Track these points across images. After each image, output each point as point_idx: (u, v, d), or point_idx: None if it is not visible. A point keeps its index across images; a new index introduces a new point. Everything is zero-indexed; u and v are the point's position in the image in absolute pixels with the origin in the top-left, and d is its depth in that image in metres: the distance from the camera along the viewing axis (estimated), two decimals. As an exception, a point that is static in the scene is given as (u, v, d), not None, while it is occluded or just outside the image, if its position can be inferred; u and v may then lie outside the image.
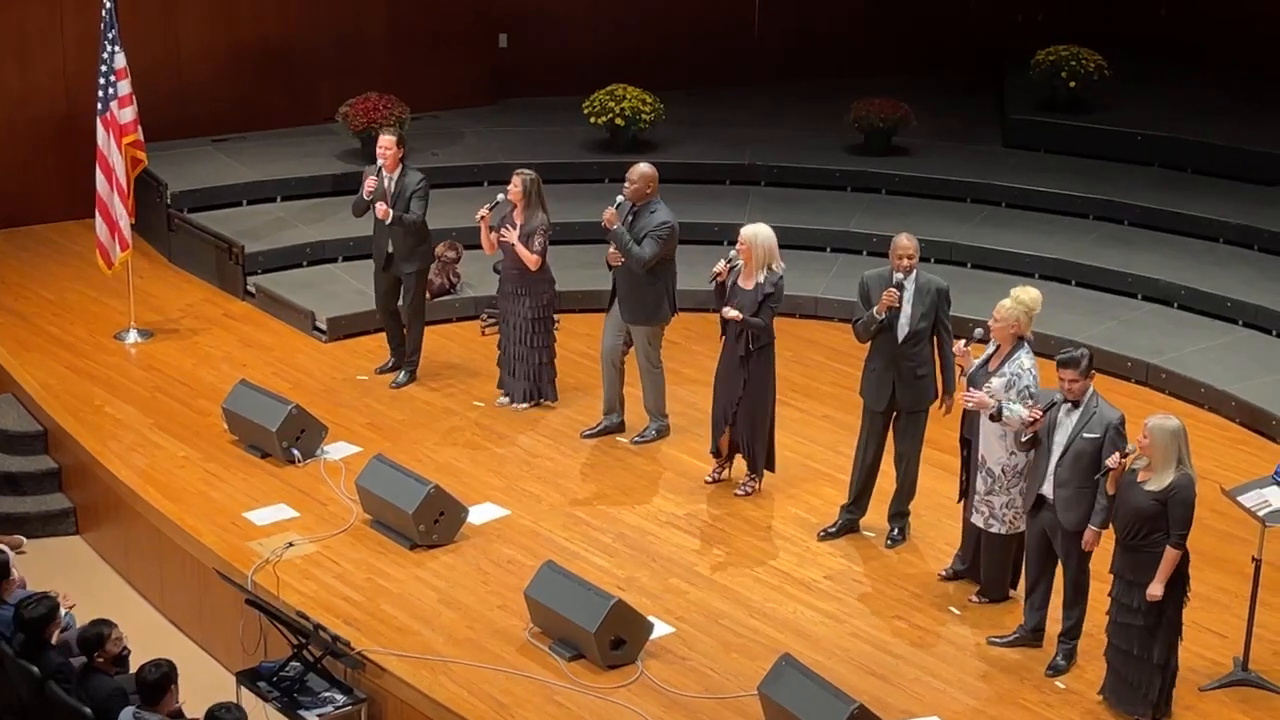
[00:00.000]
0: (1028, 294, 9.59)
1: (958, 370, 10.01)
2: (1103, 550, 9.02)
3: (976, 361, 9.73)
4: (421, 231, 12.33)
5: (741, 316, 10.63)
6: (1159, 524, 8.57)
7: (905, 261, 10.19)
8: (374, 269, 12.55)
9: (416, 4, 16.98)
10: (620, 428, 11.93)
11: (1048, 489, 9.14)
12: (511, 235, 11.74)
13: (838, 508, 10.74)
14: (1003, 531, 9.72)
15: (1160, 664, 8.75)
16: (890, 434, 10.53)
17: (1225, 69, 18.12)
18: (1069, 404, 9.04)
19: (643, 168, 11.49)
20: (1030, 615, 9.51)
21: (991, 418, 9.37)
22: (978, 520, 9.79)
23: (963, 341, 9.88)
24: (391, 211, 12.11)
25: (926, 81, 17.93)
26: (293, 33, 16.44)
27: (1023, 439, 9.21)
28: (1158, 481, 8.56)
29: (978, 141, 16.68)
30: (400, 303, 12.51)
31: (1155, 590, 8.59)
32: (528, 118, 17.16)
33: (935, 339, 10.29)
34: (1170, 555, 8.57)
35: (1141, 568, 8.64)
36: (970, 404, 9.55)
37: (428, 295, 12.83)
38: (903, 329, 10.23)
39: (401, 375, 12.63)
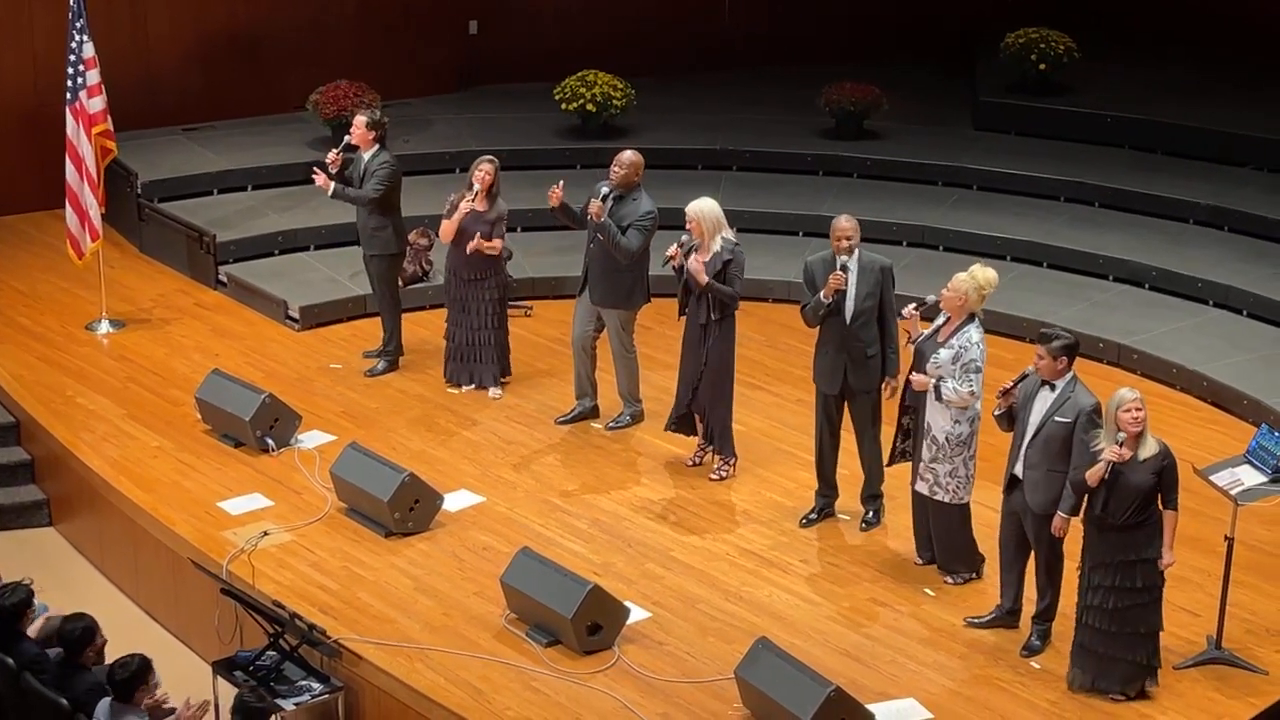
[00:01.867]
0: (984, 273, 9.63)
1: (904, 337, 10.04)
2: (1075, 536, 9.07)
3: (925, 332, 9.77)
4: (382, 214, 12.30)
5: (706, 281, 10.56)
6: (1152, 496, 8.63)
7: (844, 243, 10.21)
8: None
9: (387, -9, 16.96)
10: (594, 413, 11.93)
11: (1019, 469, 9.18)
12: (463, 220, 11.72)
13: (812, 491, 10.75)
14: (947, 500, 9.76)
15: (1155, 632, 8.86)
16: (849, 418, 10.55)
17: (1194, 51, 18.17)
18: (1046, 386, 9.06)
19: (630, 154, 11.47)
20: (1006, 596, 9.54)
21: (996, 417, 9.40)
22: (922, 488, 9.85)
23: (912, 305, 9.90)
24: (332, 185, 12.17)
25: (897, 65, 17.94)
26: (262, 20, 16.38)
27: (996, 413, 9.25)
28: (1147, 451, 8.60)
29: (949, 124, 16.71)
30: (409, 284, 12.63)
31: (1170, 558, 8.66)
32: (498, 104, 17.14)
33: (881, 320, 10.29)
34: (1171, 517, 8.63)
35: (1142, 543, 8.66)
36: (915, 384, 9.64)
37: (400, 283, 12.83)
38: (849, 310, 10.25)
39: (380, 364, 12.63)
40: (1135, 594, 8.75)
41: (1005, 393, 9.16)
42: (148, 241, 14.87)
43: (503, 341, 12.18)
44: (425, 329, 13.27)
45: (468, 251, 11.78)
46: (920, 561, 10.17)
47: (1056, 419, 8.98)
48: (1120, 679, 8.88)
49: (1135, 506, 8.62)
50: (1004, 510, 9.41)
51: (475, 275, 11.93)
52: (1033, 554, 9.29)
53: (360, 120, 12.31)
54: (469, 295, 12.01)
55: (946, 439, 9.65)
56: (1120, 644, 8.81)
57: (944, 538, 9.97)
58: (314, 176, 12.30)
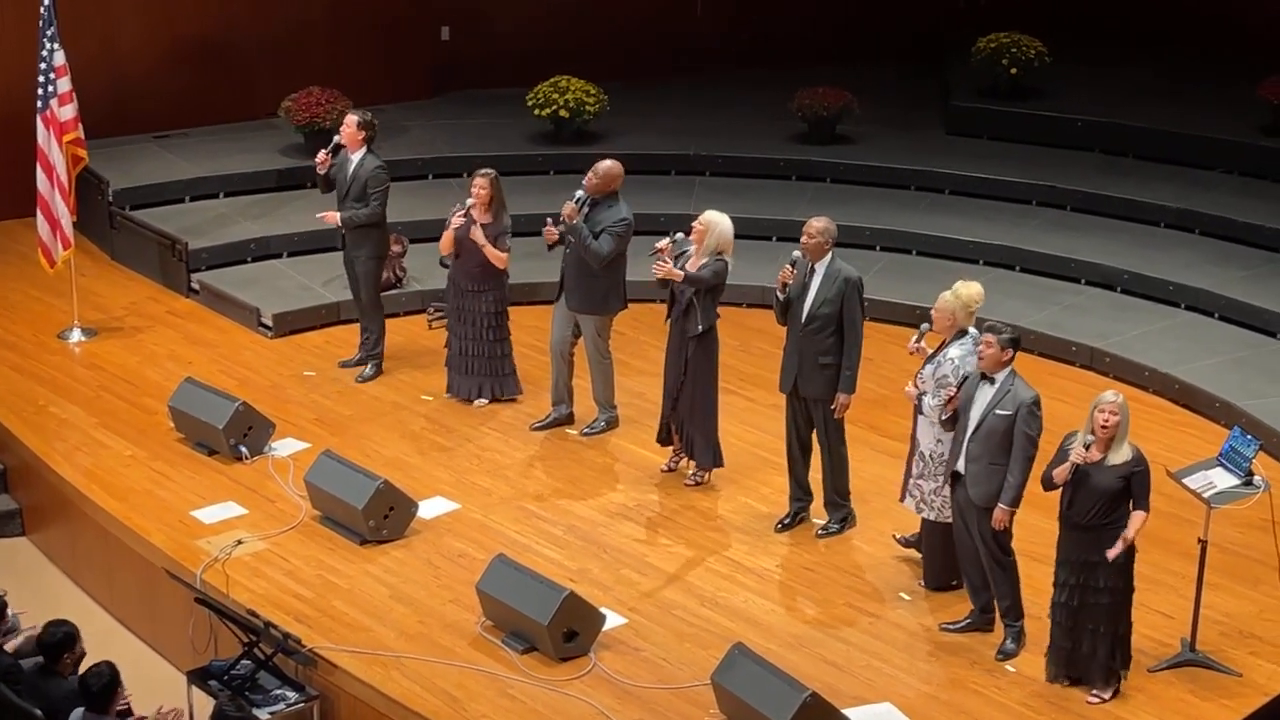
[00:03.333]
0: (968, 289, 9.63)
1: (913, 336, 10.02)
2: (1035, 531, 9.09)
3: (930, 351, 9.80)
4: (373, 217, 12.32)
5: (681, 275, 10.56)
6: (1120, 499, 8.67)
7: (804, 239, 10.23)
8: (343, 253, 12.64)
9: (358, -3, 16.95)
10: (569, 419, 11.93)
11: (961, 464, 9.23)
12: (479, 235, 11.68)
13: (787, 496, 10.76)
14: (932, 518, 9.78)
15: (1124, 634, 8.89)
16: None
17: (1163, 55, 18.27)
18: (986, 381, 9.11)
19: (607, 164, 11.45)
20: (974, 597, 9.57)
21: (916, 409, 9.48)
22: (909, 504, 9.89)
23: (914, 338, 9.91)
24: (339, 215, 12.25)
25: (869, 70, 17.97)
26: (233, 27, 16.34)
27: (942, 417, 9.29)
28: (1119, 456, 8.63)
29: (921, 129, 16.75)
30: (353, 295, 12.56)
31: (1119, 548, 8.65)
32: (471, 110, 17.13)
33: (840, 331, 10.25)
34: (1139, 516, 8.65)
35: (1107, 545, 8.69)
36: (907, 395, 9.71)
37: (376, 288, 12.85)
38: (805, 311, 10.25)
39: (368, 369, 12.63)
40: (1097, 593, 8.80)
41: (950, 399, 9.20)
42: (120, 249, 14.82)
43: (496, 355, 12.09)
44: (399, 335, 13.25)
45: (480, 244, 11.71)
46: (901, 539, 10.25)
47: (997, 412, 9.04)
48: (1090, 676, 8.93)
49: (1100, 508, 8.67)
50: (952, 510, 9.47)
51: (474, 287, 11.90)
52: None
53: (352, 120, 12.32)
54: (465, 306, 11.97)
55: (931, 455, 9.67)
56: (1086, 640, 8.86)
57: (928, 554, 9.99)
58: (322, 218, 12.36)
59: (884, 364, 10.72)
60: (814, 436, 10.53)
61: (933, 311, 9.71)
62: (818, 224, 10.24)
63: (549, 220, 11.60)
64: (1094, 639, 8.86)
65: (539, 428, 11.87)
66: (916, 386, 9.65)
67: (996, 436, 9.05)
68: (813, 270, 10.24)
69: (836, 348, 10.24)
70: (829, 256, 10.24)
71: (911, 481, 9.83)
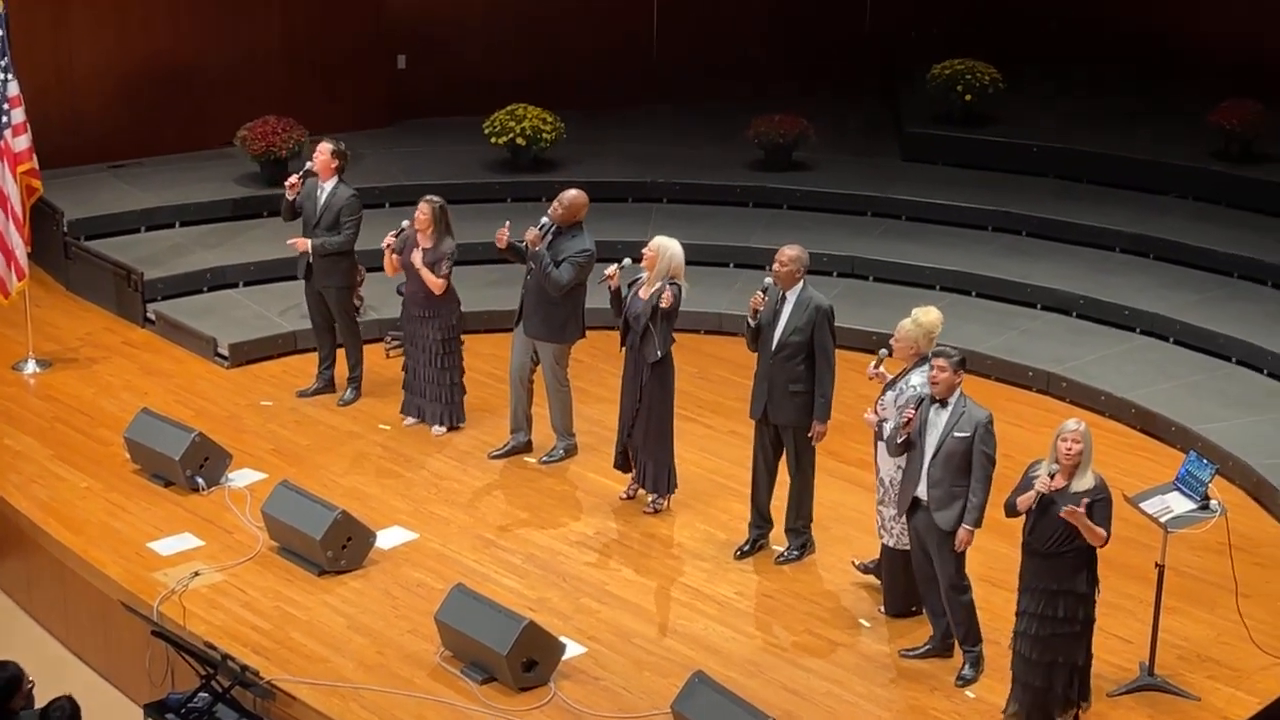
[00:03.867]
0: (928, 315, 9.66)
1: (871, 361, 10.02)
2: (995, 557, 9.11)
3: (890, 377, 9.81)
4: (345, 245, 12.33)
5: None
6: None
7: (775, 267, 10.26)
8: (302, 282, 12.58)
9: (313, 26, 16.89)
10: (527, 447, 11.91)
11: (922, 490, 9.25)
12: (418, 259, 11.72)
13: (746, 524, 10.76)
14: (892, 544, 9.79)
15: (1082, 665, 8.88)
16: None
17: (1117, 81, 18.42)
18: (938, 404, 9.14)
19: (573, 194, 11.47)
20: (934, 623, 9.58)
21: (877, 435, 9.49)
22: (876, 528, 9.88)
23: (873, 363, 9.92)
24: (310, 242, 12.22)
25: (825, 97, 18.05)
26: (189, 57, 16.29)
27: (897, 441, 9.31)
28: (1082, 484, 8.64)
29: (876, 155, 16.83)
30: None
31: (1068, 514, 8.55)
32: (427, 138, 17.12)
33: (812, 359, 10.27)
34: (1099, 534, 8.60)
35: (1066, 574, 8.69)
36: (867, 422, 9.71)
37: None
38: (775, 339, 10.27)
39: (349, 393, 12.65)
40: (1057, 623, 8.77)
41: (907, 421, 9.22)
42: (75, 280, 14.74)
43: (449, 382, 12.08)
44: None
45: (400, 265, 11.82)
46: (860, 565, 10.26)
47: (955, 434, 9.08)
48: (1048, 709, 8.90)
49: (1060, 536, 8.66)
50: (910, 536, 9.48)
51: (422, 313, 11.90)
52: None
53: (326, 148, 12.30)
54: (416, 332, 11.98)
55: (891, 482, 9.67)
56: (1042, 673, 8.83)
57: (888, 580, 9.99)
58: (292, 244, 12.33)
59: (842, 390, 10.70)
60: (781, 463, 10.55)
61: (893, 341, 9.72)
62: (789, 252, 10.25)
63: (506, 223, 11.55)
64: (1051, 671, 8.84)
65: (497, 456, 11.84)
66: (876, 413, 9.67)
67: (956, 459, 9.09)
68: (784, 298, 10.25)
69: (807, 375, 10.26)
70: (800, 284, 10.25)
71: (876, 507, 9.84)
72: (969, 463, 9.06)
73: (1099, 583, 8.84)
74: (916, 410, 9.23)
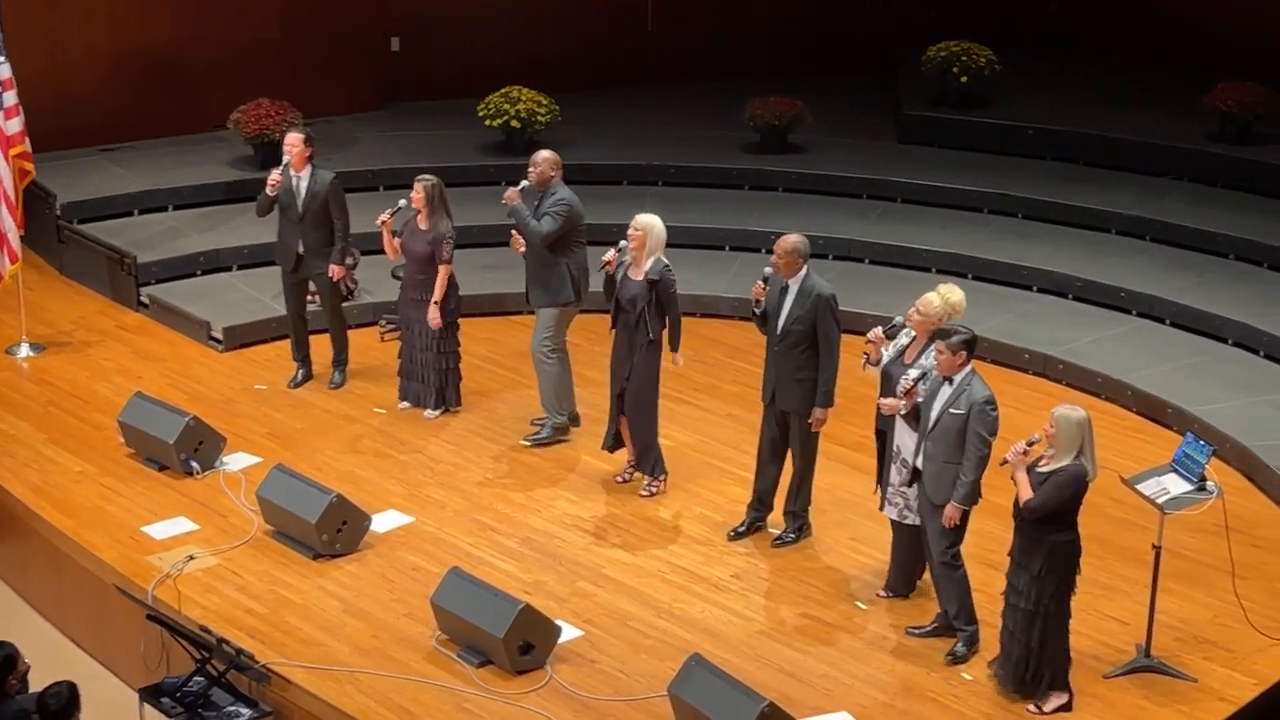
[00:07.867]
0: (955, 294, 9.61)
1: (863, 358, 9.99)
2: (990, 538, 9.11)
3: (890, 354, 9.76)
4: (330, 231, 12.27)
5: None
6: (1052, 513, 8.65)
7: (773, 259, 10.24)
8: (281, 273, 12.46)
9: (307, 9, 16.84)
10: (567, 427, 11.86)
11: (920, 462, 9.25)
12: (383, 217, 11.73)
13: (743, 506, 10.75)
14: (917, 523, 9.74)
15: (1036, 648, 8.83)
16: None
17: (1113, 63, 18.39)
18: (946, 380, 9.13)
19: (545, 153, 11.58)
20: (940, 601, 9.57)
21: (903, 417, 9.43)
22: (891, 512, 9.81)
23: (878, 327, 9.84)
24: (334, 251, 12.23)
25: (820, 79, 18.02)
26: (181, 40, 16.25)
27: (902, 410, 9.28)
28: (1056, 464, 8.63)
29: (872, 138, 16.79)
30: (318, 306, 12.51)
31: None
32: (422, 121, 17.08)
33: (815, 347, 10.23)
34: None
35: (1030, 552, 8.72)
36: (884, 408, 9.61)
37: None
38: (778, 326, 10.25)
39: (336, 376, 12.61)
40: (1018, 595, 8.82)
41: (908, 391, 9.21)
42: (68, 263, 14.70)
43: (445, 367, 12.03)
44: (351, 348, 13.12)
45: (400, 247, 11.80)
46: (882, 594, 10.08)
47: (951, 411, 9.08)
48: (1011, 679, 8.94)
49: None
50: (918, 510, 9.48)
51: (419, 297, 11.86)
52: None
53: (297, 138, 12.16)
54: (413, 316, 11.94)
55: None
56: (1014, 644, 8.87)
57: (910, 563, 9.95)
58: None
59: (839, 373, 10.68)
60: (786, 447, 10.52)
61: (913, 314, 9.62)
62: (787, 243, 10.20)
63: (509, 185, 11.55)
64: (1011, 640, 8.89)
65: (534, 442, 11.77)
66: (900, 395, 9.52)
67: (950, 435, 9.08)
68: (786, 286, 10.22)
69: (811, 362, 10.24)
70: (803, 272, 10.20)
71: (893, 489, 9.76)
72: (963, 440, 9.04)
73: (1075, 576, 8.79)
74: (915, 383, 9.20)
